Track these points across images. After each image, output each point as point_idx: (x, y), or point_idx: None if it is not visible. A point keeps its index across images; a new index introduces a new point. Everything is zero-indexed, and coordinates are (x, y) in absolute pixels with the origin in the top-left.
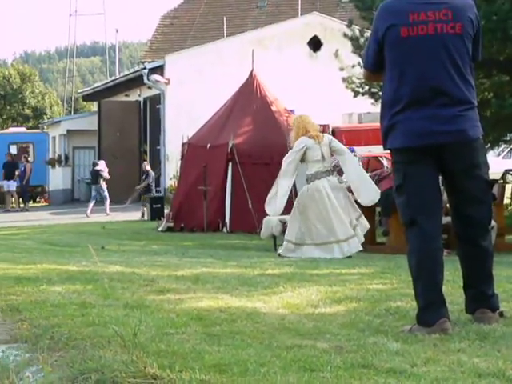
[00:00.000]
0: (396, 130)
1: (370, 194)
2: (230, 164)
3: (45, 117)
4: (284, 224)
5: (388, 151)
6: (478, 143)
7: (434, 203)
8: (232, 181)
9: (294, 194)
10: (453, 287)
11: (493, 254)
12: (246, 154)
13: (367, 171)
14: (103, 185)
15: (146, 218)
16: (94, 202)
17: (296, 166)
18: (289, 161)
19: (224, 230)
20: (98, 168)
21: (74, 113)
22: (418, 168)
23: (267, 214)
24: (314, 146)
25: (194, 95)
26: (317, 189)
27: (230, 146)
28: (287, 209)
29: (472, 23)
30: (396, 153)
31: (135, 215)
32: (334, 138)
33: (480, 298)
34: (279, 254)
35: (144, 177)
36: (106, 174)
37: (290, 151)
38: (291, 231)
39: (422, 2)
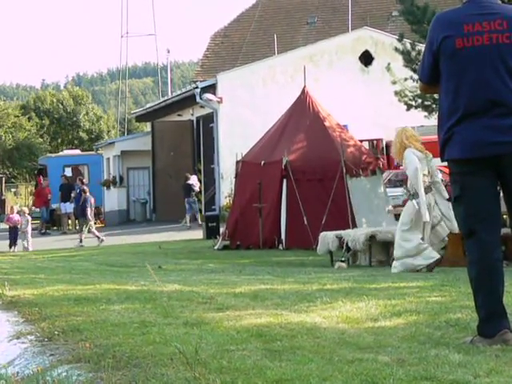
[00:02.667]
0: (453, 141)
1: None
2: (285, 180)
3: (101, 141)
4: (341, 239)
5: (444, 163)
6: None
7: (493, 214)
8: (287, 197)
9: (349, 209)
10: None
11: None
12: (300, 170)
13: None
14: (195, 198)
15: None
16: (189, 214)
17: None
18: (418, 173)
19: (280, 246)
20: (189, 182)
21: (128, 134)
22: (476, 179)
23: (323, 230)
24: (422, 159)
25: (246, 113)
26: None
27: (285, 162)
28: (341, 222)
29: None
30: (454, 164)
31: (191, 234)
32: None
33: None
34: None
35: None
36: (197, 188)
37: (413, 167)
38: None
39: (477, 13)
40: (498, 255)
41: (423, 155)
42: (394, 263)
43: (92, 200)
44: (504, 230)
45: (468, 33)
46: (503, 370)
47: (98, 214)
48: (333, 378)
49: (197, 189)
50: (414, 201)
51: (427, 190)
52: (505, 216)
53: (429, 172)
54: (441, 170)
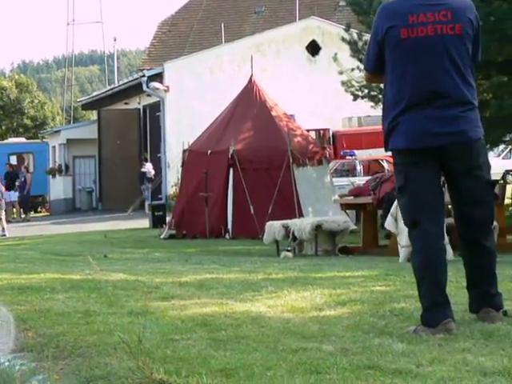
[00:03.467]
0: (397, 132)
1: None
2: (231, 170)
3: (47, 127)
4: (287, 229)
5: (389, 153)
6: (479, 144)
7: (437, 204)
8: (233, 186)
9: (296, 198)
10: (456, 287)
11: (496, 253)
12: (247, 159)
13: (368, 174)
14: (147, 185)
15: None
16: (148, 201)
17: None
18: None
19: (226, 236)
20: (143, 170)
21: (74, 122)
22: (420, 169)
23: (270, 219)
24: None
25: (193, 102)
26: None
27: (231, 151)
28: (288, 212)
29: (472, 24)
30: (398, 154)
31: (137, 223)
32: None
33: (484, 297)
34: None
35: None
36: (150, 175)
37: None
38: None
39: (421, 3)
40: (442, 245)
41: None
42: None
43: (3, 189)
44: (448, 220)
45: (413, 23)
46: (446, 359)
47: (43, 203)
48: (277, 367)
49: (150, 176)
50: None
51: None
52: (449, 206)
53: None
54: (387, 160)
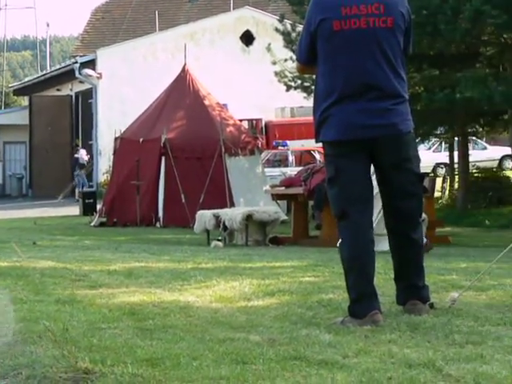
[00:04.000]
0: (328, 124)
1: None
2: (163, 158)
3: None
4: (218, 218)
5: (320, 145)
6: (409, 137)
7: (366, 196)
8: (165, 175)
9: (227, 188)
10: (384, 279)
11: (423, 246)
12: (179, 148)
13: (300, 165)
14: (79, 172)
15: None
16: (79, 188)
17: None
18: None
19: (157, 224)
20: (76, 155)
21: (5, 107)
22: (350, 161)
23: (201, 208)
24: None
25: (126, 89)
26: None
27: (163, 140)
28: (219, 201)
29: (403, 17)
30: (328, 146)
31: (68, 210)
32: None
33: (411, 289)
34: None
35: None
36: (83, 161)
37: None
38: None
39: None
40: (370, 237)
41: None
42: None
43: None
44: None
45: (345, 15)
46: (371, 351)
47: None
48: (203, 357)
49: (83, 162)
50: None
51: None
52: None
53: None
54: (318, 151)
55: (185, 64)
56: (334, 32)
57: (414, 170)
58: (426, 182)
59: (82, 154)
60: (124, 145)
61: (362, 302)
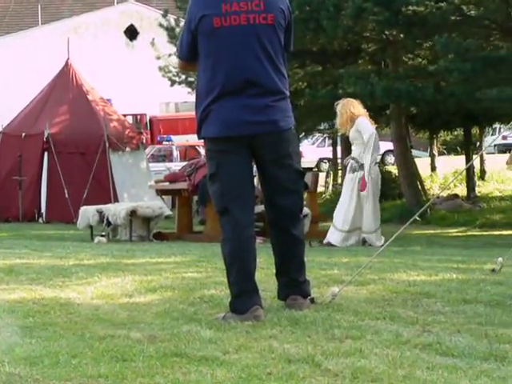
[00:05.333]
0: (209, 120)
1: None
2: (46, 153)
3: None
4: (101, 214)
5: (202, 140)
6: (290, 133)
7: (247, 192)
8: (48, 170)
9: (111, 183)
10: (266, 274)
11: (304, 241)
12: (62, 143)
13: (185, 160)
14: None
15: None
16: None
17: None
18: (374, 138)
19: (40, 220)
20: None
21: None
22: (231, 157)
23: (84, 204)
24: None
25: (8, 83)
26: (378, 175)
27: (46, 135)
28: (103, 197)
29: (284, 14)
30: (210, 142)
31: None
32: None
33: (291, 284)
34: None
35: None
36: None
37: (371, 131)
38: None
39: None
40: (251, 233)
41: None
42: (375, 236)
43: None
44: (260, 208)
45: (226, 12)
46: (252, 346)
47: None
48: (82, 355)
49: None
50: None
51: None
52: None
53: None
54: (203, 147)
55: (68, 58)
56: (215, 29)
57: (295, 167)
58: (309, 177)
59: None
60: (6, 140)
61: (243, 298)
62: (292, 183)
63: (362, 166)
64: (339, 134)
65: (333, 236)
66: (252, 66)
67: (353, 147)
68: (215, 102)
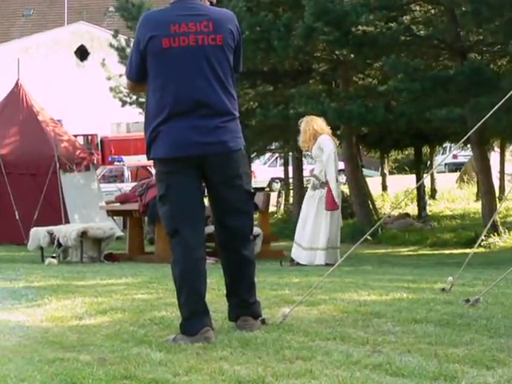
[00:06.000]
0: (159, 141)
1: None
2: None
3: None
4: (52, 235)
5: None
6: (239, 154)
7: (197, 213)
8: None
9: (62, 204)
10: (217, 295)
11: (254, 262)
12: (13, 164)
13: (136, 180)
14: None
15: None
16: None
17: None
18: (334, 157)
19: None
20: None
21: None
22: (181, 178)
23: (35, 225)
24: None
25: None
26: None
27: None
28: (54, 218)
29: (233, 34)
30: (159, 163)
31: None
32: None
33: (242, 305)
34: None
35: None
36: None
37: (331, 149)
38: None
39: (184, 14)
40: (201, 254)
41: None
42: (321, 253)
43: None
44: (212, 228)
45: (175, 33)
46: (202, 368)
47: None
48: (31, 379)
49: None
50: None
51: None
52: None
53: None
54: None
55: (18, 79)
56: (164, 49)
57: (245, 187)
58: (261, 197)
59: None
60: None
61: (194, 319)
62: (242, 204)
63: (322, 184)
64: (303, 151)
65: (301, 255)
66: (201, 87)
67: (315, 165)
68: (165, 123)
